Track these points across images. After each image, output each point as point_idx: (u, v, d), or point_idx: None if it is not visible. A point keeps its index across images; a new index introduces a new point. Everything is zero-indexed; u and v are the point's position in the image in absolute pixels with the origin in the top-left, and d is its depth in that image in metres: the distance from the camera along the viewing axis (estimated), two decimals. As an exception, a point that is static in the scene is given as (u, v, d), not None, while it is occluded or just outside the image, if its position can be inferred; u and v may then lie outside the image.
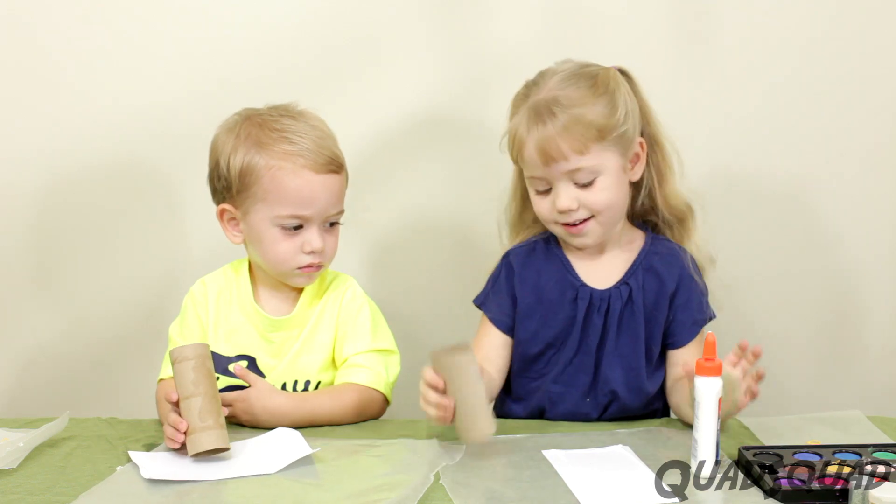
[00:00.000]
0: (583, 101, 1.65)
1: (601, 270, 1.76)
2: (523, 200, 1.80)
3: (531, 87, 1.70)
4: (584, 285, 1.74)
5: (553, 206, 1.68)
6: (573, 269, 1.76)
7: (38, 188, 2.22)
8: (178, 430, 1.51)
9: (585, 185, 1.66)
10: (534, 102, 1.66)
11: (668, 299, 1.74)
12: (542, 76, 1.70)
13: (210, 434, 1.50)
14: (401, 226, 2.23)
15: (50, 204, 2.23)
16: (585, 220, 1.69)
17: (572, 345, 1.74)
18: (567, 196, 1.66)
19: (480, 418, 1.53)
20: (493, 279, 1.81)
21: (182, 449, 1.54)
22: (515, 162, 1.71)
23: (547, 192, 1.69)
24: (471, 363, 1.53)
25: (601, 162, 1.66)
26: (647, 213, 1.80)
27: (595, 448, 1.57)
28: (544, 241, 1.79)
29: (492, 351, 1.78)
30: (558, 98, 1.64)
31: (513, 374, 1.81)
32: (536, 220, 1.79)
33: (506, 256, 1.81)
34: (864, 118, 2.19)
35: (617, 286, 1.74)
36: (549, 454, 1.54)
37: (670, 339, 1.76)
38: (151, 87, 2.18)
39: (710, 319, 1.77)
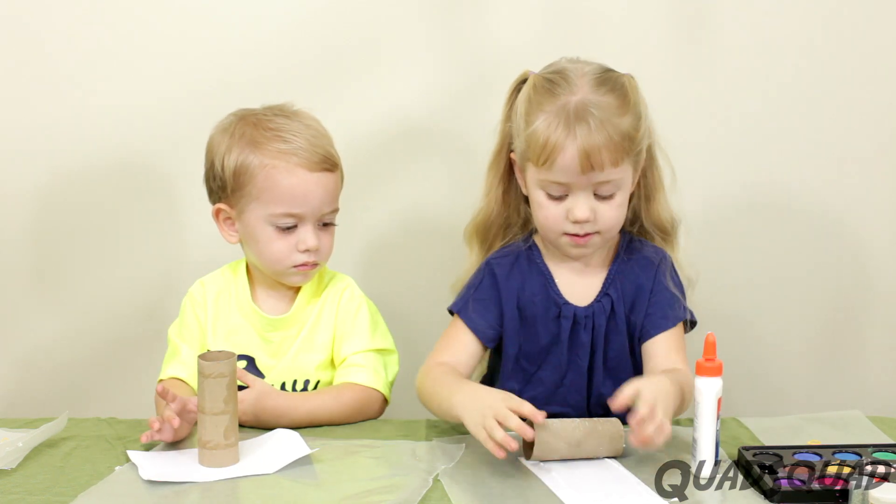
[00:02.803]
0: (619, 112, 1.60)
1: (582, 283, 1.72)
2: (503, 201, 1.76)
3: (557, 85, 1.61)
4: (567, 303, 1.71)
5: (565, 214, 1.63)
6: (555, 285, 1.72)
7: (38, 188, 2.22)
8: (171, 424, 1.54)
9: (604, 198, 1.63)
10: (574, 105, 1.58)
11: (645, 300, 1.70)
12: (566, 76, 1.62)
13: (232, 452, 1.51)
14: (399, 226, 2.23)
15: (50, 204, 2.23)
16: (590, 234, 1.65)
17: (560, 364, 1.72)
18: (586, 206, 1.61)
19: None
20: (474, 286, 1.75)
21: (176, 445, 1.56)
22: (536, 163, 1.61)
23: (560, 198, 1.63)
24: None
25: (624, 176, 1.63)
26: (626, 223, 1.75)
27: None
28: (526, 251, 1.75)
29: (464, 357, 1.73)
30: (597, 104, 1.58)
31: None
32: (505, 225, 1.77)
33: (488, 265, 1.76)
34: (864, 120, 2.19)
35: (598, 299, 1.71)
36: (529, 464, 1.52)
37: (641, 332, 1.71)
38: (151, 86, 2.18)
39: (688, 322, 1.72)
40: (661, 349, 1.68)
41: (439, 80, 2.17)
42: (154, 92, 2.18)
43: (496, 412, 1.45)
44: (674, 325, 1.70)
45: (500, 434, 1.43)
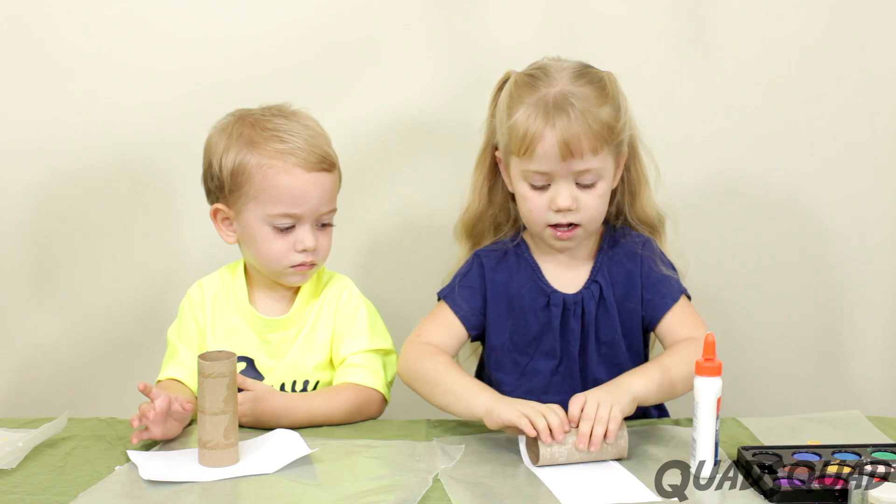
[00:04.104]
0: (598, 102, 1.64)
1: (569, 274, 1.75)
2: (488, 198, 1.79)
3: (537, 79, 1.66)
4: (555, 291, 1.73)
5: (549, 204, 1.66)
6: (543, 276, 1.75)
7: (37, 188, 2.21)
8: (147, 417, 1.54)
9: (586, 187, 1.66)
10: (553, 96, 1.63)
11: (637, 285, 1.73)
12: (546, 71, 1.67)
13: (232, 451, 1.51)
14: (398, 226, 2.23)
15: (49, 204, 2.23)
16: (574, 227, 1.68)
17: (553, 353, 1.74)
18: (568, 194, 1.65)
19: None
20: (462, 274, 1.79)
21: (175, 445, 1.56)
22: (518, 153, 1.65)
23: (543, 188, 1.66)
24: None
25: (605, 166, 1.66)
26: (613, 219, 1.79)
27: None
28: (514, 247, 1.78)
29: (447, 341, 1.75)
30: (576, 94, 1.63)
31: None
32: (493, 220, 1.80)
33: (476, 255, 1.79)
34: (862, 120, 2.19)
35: (587, 286, 1.73)
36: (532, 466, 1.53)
37: (647, 321, 1.74)
38: (151, 86, 2.18)
39: (686, 294, 1.74)
40: (671, 327, 1.71)
41: (439, 79, 2.17)
42: (153, 91, 2.17)
43: (537, 407, 1.52)
44: (674, 301, 1.72)
45: (542, 423, 1.49)
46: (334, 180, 1.74)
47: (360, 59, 2.16)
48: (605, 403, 1.52)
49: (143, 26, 2.16)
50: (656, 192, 1.79)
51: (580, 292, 1.73)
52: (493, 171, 1.78)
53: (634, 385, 1.57)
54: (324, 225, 1.75)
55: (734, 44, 2.16)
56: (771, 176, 2.21)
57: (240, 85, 2.13)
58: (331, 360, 1.78)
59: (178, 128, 2.16)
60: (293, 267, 1.73)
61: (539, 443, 1.50)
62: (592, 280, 1.74)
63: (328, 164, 1.72)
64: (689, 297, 1.75)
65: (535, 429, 1.49)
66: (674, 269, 1.77)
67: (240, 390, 1.66)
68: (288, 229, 1.71)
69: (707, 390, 1.45)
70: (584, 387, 1.74)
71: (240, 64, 2.16)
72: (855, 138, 2.19)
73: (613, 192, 1.74)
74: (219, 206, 1.75)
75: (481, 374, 1.87)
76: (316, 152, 1.70)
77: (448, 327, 1.76)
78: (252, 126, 1.71)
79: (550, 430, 1.49)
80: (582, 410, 1.51)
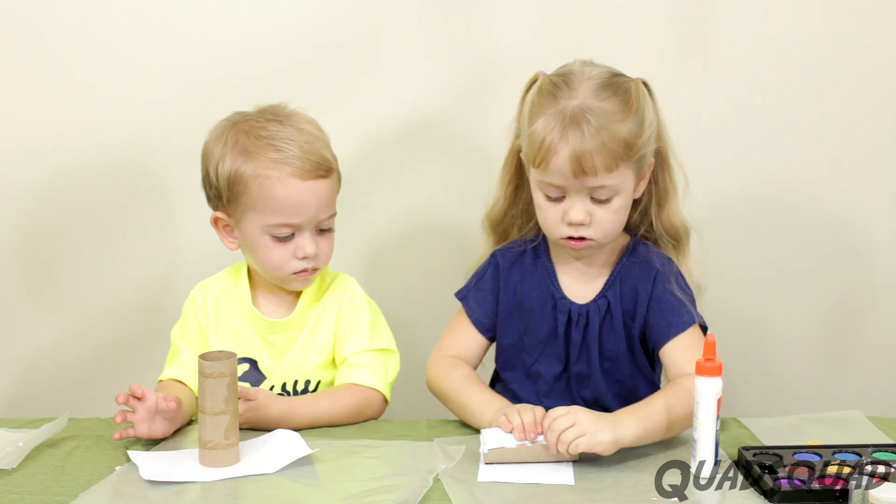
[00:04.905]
0: (618, 118, 1.60)
1: (584, 282, 1.73)
2: (513, 197, 1.78)
3: (559, 88, 1.62)
4: (563, 298, 1.72)
5: (562, 216, 1.64)
6: (556, 280, 1.74)
7: (37, 187, 2.21)
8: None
9: (601, 202, 1.63)
10: (570, 110, 1.59)
11: (644, 306, 1.70)
12: (570, 80, 1.63)
13: (232, 452, 1.51)
14: (399, 227, 2.23)
15: (49, 204, 2.23)
16: (586, 240, 1.65)
17: (558, 359, 1.74)
18: (582, 209, 1.63)
19: None
20: (479, 276, 1.79)
21: (176, 445, 1.57)
22: (533, 164, 1.64)
23: (558, 199, 1.64)
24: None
25: (622, 182, 1.63)
26: (636, 227, 1.76)
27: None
28: (533, 249, 1.77)
29: (468, 349, 1.78)
30: (595, 109, 1.59)
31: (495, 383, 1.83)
32: (518, 218, 1.79)
33: (493, 256, 1.79)
34: (866, 117, 2.19)
35: (595, 300, 1.71)
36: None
37: (650, 344, 1.71)
38: (151, 87, 2.18)
39: (699, 325, 1.68)
40: (673, 357, 1.67)
41: (439, 80, 2.17)
42: (153, 91, 2.18)
43: (512, 408, 1.58)
44: (679, 331, 1.67)
45: (517, 420, 1.53)
46: (332, 185, 1.72)
47: (360, 59, 2.16)
48: (575, 432, 1.48)
49: (144, 26, 2.16)
50: (684, 203, 1.75)
51: (587, 305, 1.72)
52: (520, 170, 1.76)
53: (627, 431, 1.51)
54: (324, 230, 1.73)
55: (734, 43, 2.16)
56: (774, 174, 2.21)
57: (240, 85, 2.13)
58: (332, 360, 1.78)
59: (178, 128, 2.16)
60: (295, 273, 1.72)
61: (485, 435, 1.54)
62: (602, 295, 1.72)
63: (324, 170, 1.70)
64: (704, 328, 1.69)
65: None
66: (691, 296, 1.72)
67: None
68: (288, 238, 1.70)
69: (707, 390, 1.45)
70: (582, 398, 1.73)
71: (240, 64, 2.16)
72: (860, 135, 2.19)
73: (638, 200, 1.72)
74: (218, 214, 1.74)
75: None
76: (311, 159, 1.68)
77: (466, 336, 1.78)
78: (246, 134, 1.69)
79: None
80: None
